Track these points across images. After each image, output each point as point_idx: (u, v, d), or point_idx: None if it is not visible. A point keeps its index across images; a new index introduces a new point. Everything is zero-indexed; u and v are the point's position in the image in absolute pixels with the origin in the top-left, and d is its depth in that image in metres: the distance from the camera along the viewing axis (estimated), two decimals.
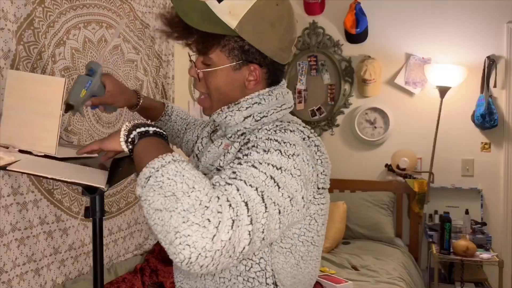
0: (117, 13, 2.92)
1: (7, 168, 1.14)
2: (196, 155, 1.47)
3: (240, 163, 1.07)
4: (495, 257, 3.86)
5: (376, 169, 4.62)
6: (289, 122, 1.27)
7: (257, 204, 0.98)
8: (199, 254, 0.89)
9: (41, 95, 1.28)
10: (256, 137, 1.19)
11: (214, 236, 0.89)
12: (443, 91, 4.22)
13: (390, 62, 4.56)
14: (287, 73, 4.82)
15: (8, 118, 1.34)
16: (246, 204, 0.96)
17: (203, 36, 1.23)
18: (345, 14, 4.54)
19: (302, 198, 1.11)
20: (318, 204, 1.27)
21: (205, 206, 0.91)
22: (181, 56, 3.68)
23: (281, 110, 1.32)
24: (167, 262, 3.11)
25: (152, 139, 1.13)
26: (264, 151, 1.10)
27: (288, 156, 1.11)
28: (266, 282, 1.23)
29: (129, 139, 1.16)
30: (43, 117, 1.29)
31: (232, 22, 1.21)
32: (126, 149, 1.18)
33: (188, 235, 0.89)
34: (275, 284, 1.24)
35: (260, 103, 1.30)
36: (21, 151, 1.31)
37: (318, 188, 1.24)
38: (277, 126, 1.23)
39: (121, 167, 1.32)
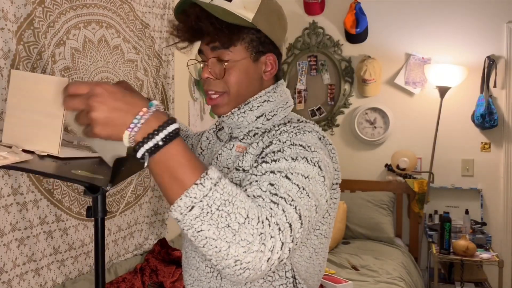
0: (117, 13, 2.92)
1: (18, 166, 1.14)
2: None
3: (273, 172, 1.09)
4: (495, 257, 3.87)
5: (376, 169, 4.63)
6: (303, 122, 1.30)
7: (296, 222, 1.02)
8: (256, 273, 0.96)
9: (45, 95, 1.28)
10: (280, 141, 1.19)
11: (269, 258, 0.95)
12: (443, 91, 4.23)
13: (390, 62, 4.57)
14: (287, 73, 4.83)
15: (11, 117, 1.34)
16: (290, 226, 1.00)
17: (225, 29, 1.25)
18: (345, 14, 4.56)
19: (326, 201, 1.15)
20: (332, 199, 1.31)
21: (260, 233, 0.94)
22: (181, 56, 3.66)
23: (286, 107, 1.36)
24: (167, 262, 3.11)
25: (169, 152, 0.93)
26: (292, 159, 1.12)
27: (314, 164, 1.13)
28: (286, 275, 1.27)
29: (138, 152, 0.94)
30: (46, 117, 1.29)
31: (249, 15, 1.26)
32: (126, 146, 0.94)
33: (249, 262, 0.94)
34: (294, 277, 1.28)
35: (269, 100, 1.33)
36: (24, 150, 1.32)
37: (333, 184, 1.28)
38: (294, 127, 1.24)
39: (124, 166, 1.31)
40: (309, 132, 1.22)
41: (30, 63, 2.26)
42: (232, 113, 1.32)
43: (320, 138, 1.24)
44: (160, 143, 0.92)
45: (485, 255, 3.86)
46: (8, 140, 1.33)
